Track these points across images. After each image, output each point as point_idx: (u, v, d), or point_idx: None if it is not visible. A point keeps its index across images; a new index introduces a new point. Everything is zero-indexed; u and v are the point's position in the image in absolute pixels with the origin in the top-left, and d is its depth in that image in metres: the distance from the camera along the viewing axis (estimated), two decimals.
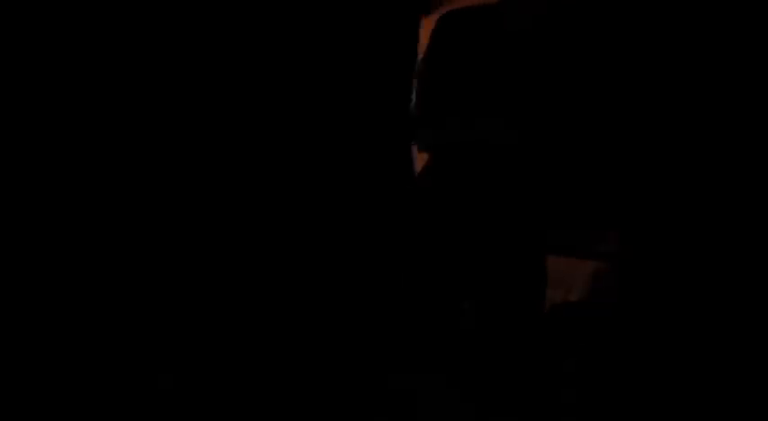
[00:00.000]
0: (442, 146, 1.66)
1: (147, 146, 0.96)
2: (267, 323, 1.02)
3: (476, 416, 1.57)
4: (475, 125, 1.58)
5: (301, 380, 1.04)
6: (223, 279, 0.99)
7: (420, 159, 1.86)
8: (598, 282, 1.65)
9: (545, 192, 1.60)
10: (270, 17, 0.99)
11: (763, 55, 1.44)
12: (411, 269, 1.68)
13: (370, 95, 1.09)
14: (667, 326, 1.53)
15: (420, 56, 1.42)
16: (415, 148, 1.50)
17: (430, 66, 1.70)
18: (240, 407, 0.99)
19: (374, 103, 1.10)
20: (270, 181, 1.01)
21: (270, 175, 1.01)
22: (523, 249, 1.61)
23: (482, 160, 1.59)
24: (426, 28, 1.77)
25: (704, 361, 1.48)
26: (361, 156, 1.11)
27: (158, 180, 0.95)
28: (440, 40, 1.70)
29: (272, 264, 1.02)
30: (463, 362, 1.58)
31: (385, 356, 1.22)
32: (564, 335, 1.63)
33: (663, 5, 1.55)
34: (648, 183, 1.56)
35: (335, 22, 1.04)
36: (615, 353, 1.59)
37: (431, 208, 1.64)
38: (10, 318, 0.92)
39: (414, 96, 1.61)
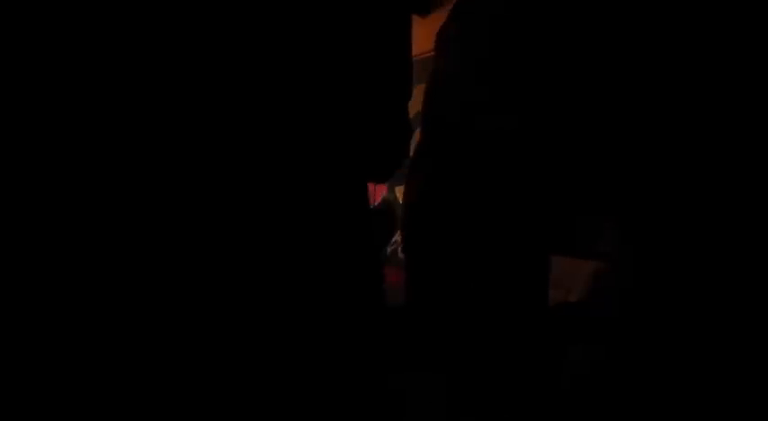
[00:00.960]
0: (443, 144, 1.66)
1: (145, 146, 0.96)
2: (261, 323, 1.02)
3: (475, 416, 1.57)
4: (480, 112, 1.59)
5: (295, 380, 1.04)
6: (217, 279, 0.99)
7: None
8: (598, 282, 1.64)
9: (545, 183, 1.59)
10: (254, 15, 0.99)
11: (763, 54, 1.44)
12: (411, 271, 1.69)
13: (361, 96, 1.09)
14: (669, 327, 1.52)
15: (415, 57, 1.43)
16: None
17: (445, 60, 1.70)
18: (234, 407, 0.99)
19: (366, 104, 1.10)
20: (260, 181, 1.01)
21: (260, 176, 1.01)
22: (525, 248, 1.61)
23: (483, 155, 1.59)
24: (425, 28, 1.77)
25: (706, 361, 1.47)
26: (353, 154, 1.11)
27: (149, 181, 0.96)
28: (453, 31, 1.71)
29: (265, 264, 1.02)
30: (463, 361, 1.59)
31: (382, 355, 1.22)
32: (564, 336, 1.63)
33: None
34: (650, 178, 1.55)
35: (325, 22, 1.04)
36: (616, 353, 1.59)
37: (430, 206, 1.65)
38: (9, 319, 0.93)
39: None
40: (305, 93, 1.02)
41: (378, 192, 3.01)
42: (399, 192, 2.81)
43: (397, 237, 2.49)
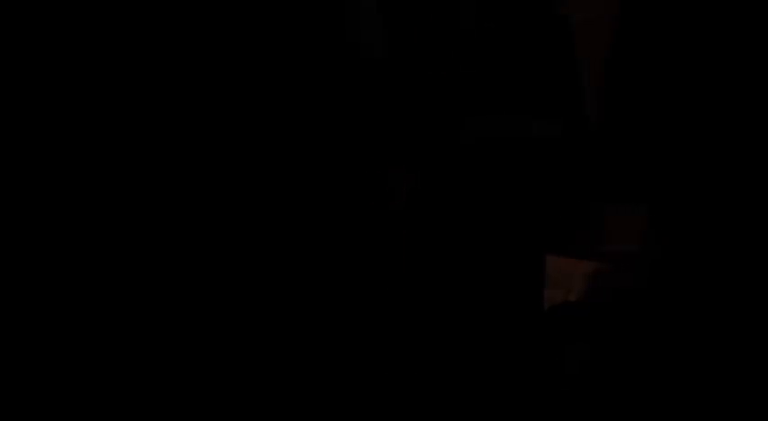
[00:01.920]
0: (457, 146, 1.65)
1: (144, 146, 0.97)
2: (260, 323, 1.02)
3: (475, 416, 1.57)
4: (518, 120, 1.58)
5: (295, 380, 1.04)
6: (218, 279, 0.99)
7: None
8: (598, 282, 1.64)
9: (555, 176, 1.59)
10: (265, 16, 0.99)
11: None
12: (408, 268, 1.69)
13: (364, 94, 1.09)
14: (676, 327, 1.52)
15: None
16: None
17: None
18: (234, 407, 0.99)
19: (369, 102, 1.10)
20: (264, 181, 1.01)
21: (264, 176, 1.01)
22: (523, 248, 1.61)
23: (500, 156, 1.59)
24: None
25: (712, 363, 1.47)
26: (355, 153, 1.11)
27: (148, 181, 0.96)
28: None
29: (265, 265, 1.02)
30: (462, 362, 1.59)
31: (381, 355, 1.22)
32: (564, 336, 1.63)
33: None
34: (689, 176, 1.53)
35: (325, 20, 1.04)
36: (616, 353, 1.59)
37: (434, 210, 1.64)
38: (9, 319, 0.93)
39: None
40: (307, 93, 1.02)
41: None
42: None
43: None
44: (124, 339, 0.95)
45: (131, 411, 0.95)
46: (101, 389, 0.94)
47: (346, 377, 1.09)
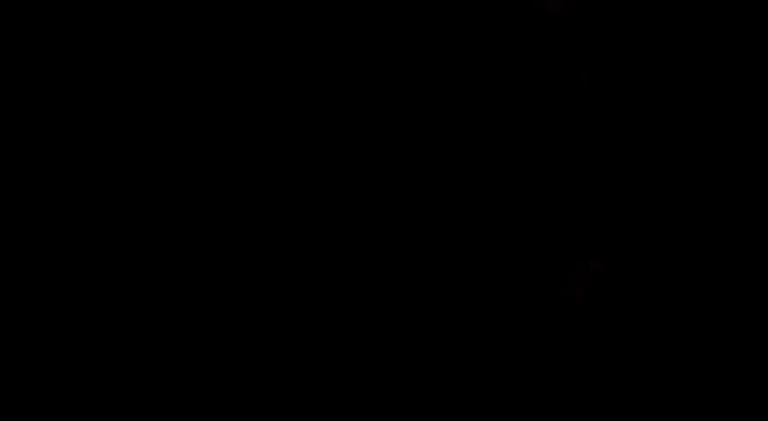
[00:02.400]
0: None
1: (146, 146, 0.95)
2: (266, 323, 1.01)
3: (477, 416, 1.57)
4: None
5: (300, 380, 1.03)
6: (223, 279, 0.98)
7: None
8: (598, 282, 1.65)
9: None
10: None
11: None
12: (410, 267, 1.68)
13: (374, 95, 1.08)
14: (676, 326, 1.53)
15: None
16: None
17: None
18: (239, 407, 0.98)
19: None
20: (272, 182, 1.00)
21: (272, 176, 1.00)
22: (524, 249, 1.61)
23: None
24: None
25: (712, 363, 1.48)
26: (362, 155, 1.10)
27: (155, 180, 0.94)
28: None
29: (272, 265, 1.01)
30: (463, 362, 1.58)
31: (383, 355, 1.21)
32: (564, 335, 1.63)
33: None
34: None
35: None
36: (617, 352, 1.59)
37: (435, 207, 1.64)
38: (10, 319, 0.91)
39: None
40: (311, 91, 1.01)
41: None
42: None
43: None
44: (124, 339, 0.93)
45: (131, 411, 0.93)
46: (100, 389, 0.92)
47: (348, 376, 1.08)
